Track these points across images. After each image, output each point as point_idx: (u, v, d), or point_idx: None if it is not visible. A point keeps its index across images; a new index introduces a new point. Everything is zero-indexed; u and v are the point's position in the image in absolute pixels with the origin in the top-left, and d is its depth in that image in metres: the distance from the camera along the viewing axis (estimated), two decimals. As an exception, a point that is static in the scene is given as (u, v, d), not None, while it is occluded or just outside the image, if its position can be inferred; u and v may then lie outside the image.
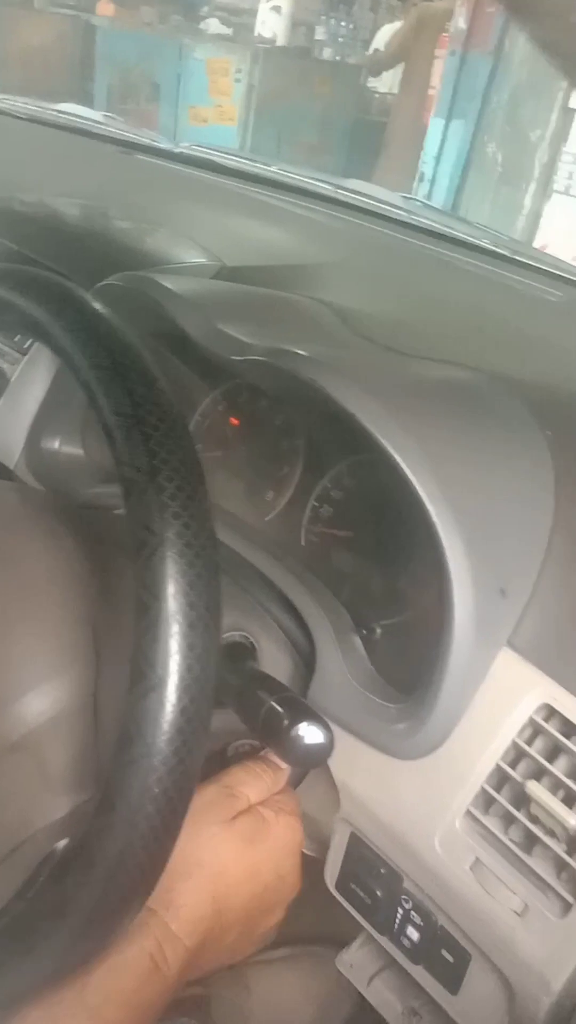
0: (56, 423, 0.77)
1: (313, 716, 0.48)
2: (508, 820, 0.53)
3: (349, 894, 0.62)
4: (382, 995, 0.67)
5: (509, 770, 0.52)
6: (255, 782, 0.56)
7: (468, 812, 0.53)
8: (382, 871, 0.59)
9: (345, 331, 0.70)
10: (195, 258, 0.91)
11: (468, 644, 0.52)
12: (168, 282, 0.64)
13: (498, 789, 0.53)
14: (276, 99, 4.30)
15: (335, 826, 0.61)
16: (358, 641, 0.62)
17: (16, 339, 0.78)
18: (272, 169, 1.22)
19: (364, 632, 0.63)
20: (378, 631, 0.63)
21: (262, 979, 0.98)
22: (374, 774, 0.56)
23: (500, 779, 0.53)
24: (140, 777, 0.39)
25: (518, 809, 0.52)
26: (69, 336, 0.45)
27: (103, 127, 1.37)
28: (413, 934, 0.58)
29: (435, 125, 3.58)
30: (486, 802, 0.53)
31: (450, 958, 0.56)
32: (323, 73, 4.44)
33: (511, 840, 0.52)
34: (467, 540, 0.51)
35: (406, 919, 0.58)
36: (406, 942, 0.58)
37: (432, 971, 0.57)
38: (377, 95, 4.74)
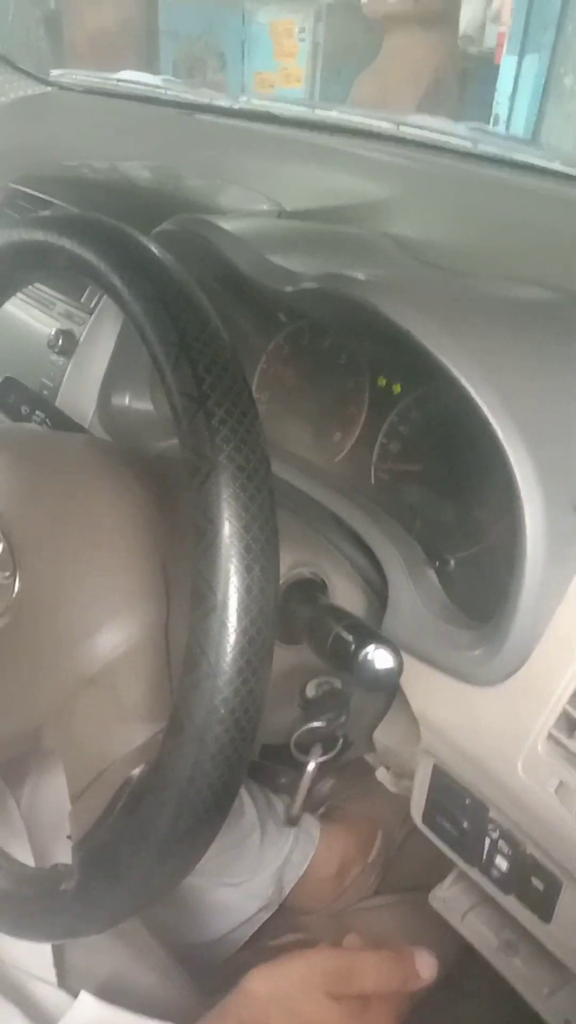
0: (125, 379, 0.78)
1: (380, 639, 0.48)
2: (592, 743, 0.51)
3: (436, 827, 0.61)
4: (476, 929, 0.67)
5: (593, 690, 0.51)
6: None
7: (550, 735, 0.52)
8: (467, 801, 0.58)
9: (406, 258, 0.68)
10: (254, 204, 0.91)
11: (542, 563, 0.51)
12: (221, 222, 0.64)
13: (580, 710, 0.51)
14: (343, 56, 4.20)
15: (418, 759, 0.61)
16: (432, 573, 0.61)
17: (82, 299, 0.80)
18: (331, 113, 1.19)
19: (437, 564, 0.62)
20: (452, 562, 0.62)
21: (362, 925, 0.99)
22: (452, 702, 0.56)
23: (582, 701, 0.52)
24: (206, 698, 0.40)
25: (602, 730, 0.50)
26: (116, 272, 0.46)
27: (163, 91, 1.37)
28: (502, 864, 0.57)
29: (507, 63, 3.44)
30: (569, 724, 0.52)
31: (541, 886, 0.55)
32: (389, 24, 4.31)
33: (595, 762, 0.50)
34: (535, 455, 0.50)
35: (494, 849, 0.57)
36: (495, 872, 0.58)
37: (524, 900, 0.56)
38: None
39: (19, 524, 0.52)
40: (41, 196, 0.92)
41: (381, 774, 0.69)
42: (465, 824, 0.59)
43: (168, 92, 1.37)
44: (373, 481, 0.70)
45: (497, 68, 3.60)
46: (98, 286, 0.48)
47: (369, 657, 0.47)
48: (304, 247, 0.64)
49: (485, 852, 0.58)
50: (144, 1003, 0.60)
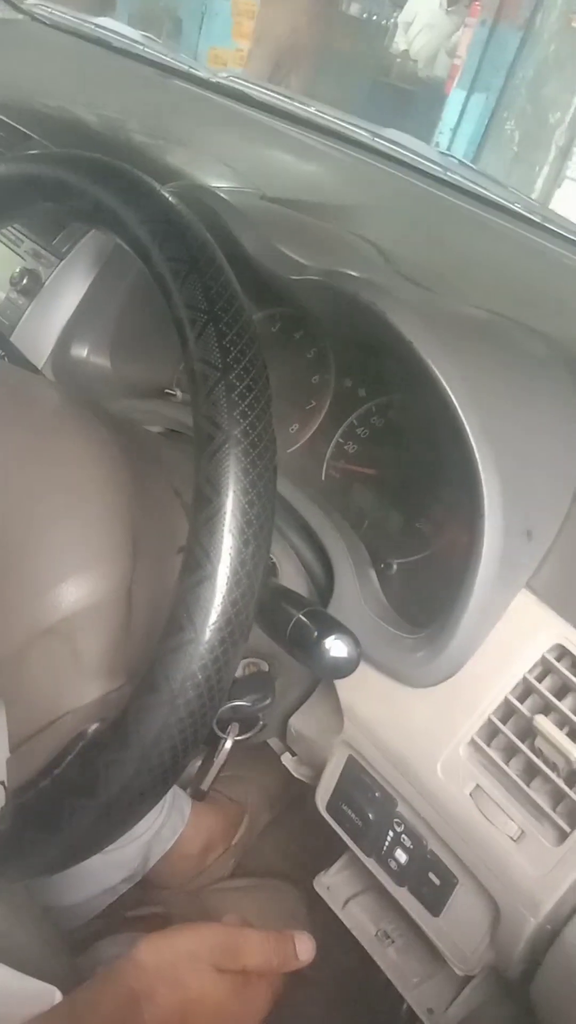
0: (87, 331, 0.77)
1: (342, 629, 0.50)
2: (510, 752, 0.55)
3: (339, 815, 0.64)
4: (356, 917, 0.69)
5: (517, 704, 0.54)
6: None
7: (472, 741, 0.55)
8: (376, 795, 0.61)
9: (388, 269, 0.70)
10: (234, 183, 0.91)
11: (491, 582, 0.54)
12: (226, 196, 0.64)
13: (504, 721, 0.55)
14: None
15: (334, 748, 0.63)
16: (373, 575, 0.63)
17: (54, 242, 0.78)
18: (310, 109, 1.20)
19: (380, 567, 0.64)
20: (394, 567, 0.64)
21: (219, 905, 1.01)
22: (382, 699, 0.58)
23: (507, 712, 0.55)
24: (186, 662, 0.40)
25: (522, 742, 0.54)
26: (146, 227, 0.45)
27: (140, 47, 1.34)
28: (401, 856, 0.60)
29: (455, 96, 3.55)
30: (491, 733, 0.55)
31: (437, 881, 0.58)
32: (348, 28, 4.36)
33: (512, 770, 0.54)
34: (503, 479, 0.53)
35: (396, 842, 0.60)
36: (393, 864, 0.60)
37: (416, 893, 0.59)
38: (398, 60, 4.67)
39: None
40: (20, 128, 0.89)
41: (286, 759, 0.71)
42: (370, 815, 0.61)
43: (145, 50, 1.35)
44: (324, 477, 0.72)
45: (443, 97, 3.71)
46: (119, 237, 0.47)
47: (331, 646, 0.49)
48: (303, 238, 0.64)
49: (386, 844, 0.60)
50: (19, 961, 0.60)
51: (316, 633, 0.49)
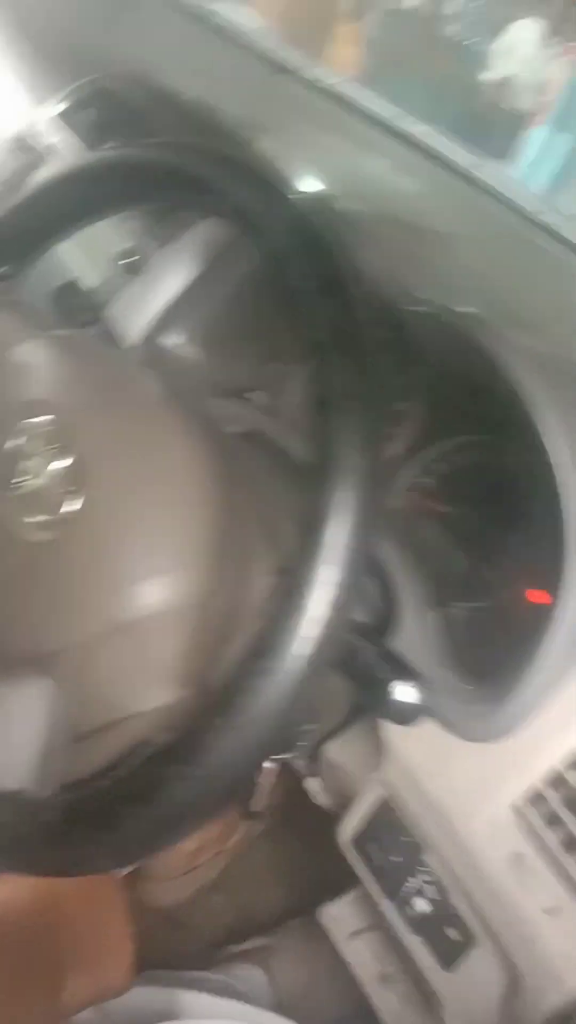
0: (181, 321, 0.76)
1: (412, 675, 0.49)
2: (554, 821, 0.54)
3: (362, 851, 0.63)
4: (360, 954, 0.69)
5: (568, 776, 0.53)
6: None
7: (516, 805, 0.54)
8: (404, 839, 0.60)
9: (491, 308, 0.69)
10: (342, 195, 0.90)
11: (563, 648, 0.53)
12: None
13: (552, 791, 0.54)
14: (392, 60, 4.19)
15: (367, 783, 0.62)
16: (434, 616, 0.62)
17: (163, 225, 0.77)
18: (418, 128, 1.19)
19: (442, 609, 0.63)
20: (455, 611, 0.63)
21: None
22: (429, 745, 0.57)
23: (555, 782, 0.54)
24: (269, 690, 0.39)
25: (568, 814, 0.53)
26: (284, 238, 0.45)
27: (254, 39, 1.33)
28: (421, 905, 0.59)
29: (539, 132, 3.53)
30: (536, 800, 0.54)
31: (455, 936, 0.57)
32: (443, 49, 4.34)
33: (554, 842, 0.53)
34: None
35: (417, 889, 0.59)
36: (410, 911, 0.60)
37: (431, 944, 0.58)
38: (484, 88, 4.64)
39: (89, 441, 0.50)
40: (140, 107, 0.88)
41: (311, 784, 0.70)
42: (393, 858, 0.60)
43: (258, 42, 1.33)
44: (395, 507, 0.71)
45: (522, 130, 3.70)
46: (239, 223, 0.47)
47: (398, 691, 0.48)
48: (419, 267, 0.64)
49: (407, 890, 0.59)
50: None
51: (384, 675, 0.48)
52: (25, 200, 0.58)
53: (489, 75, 4.55)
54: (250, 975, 0.95)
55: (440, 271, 0.68)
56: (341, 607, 0.40)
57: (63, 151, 0.89)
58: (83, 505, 0.48)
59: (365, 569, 0.40)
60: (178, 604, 0.48)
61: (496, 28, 4.48)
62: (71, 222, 0.58)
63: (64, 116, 0.92)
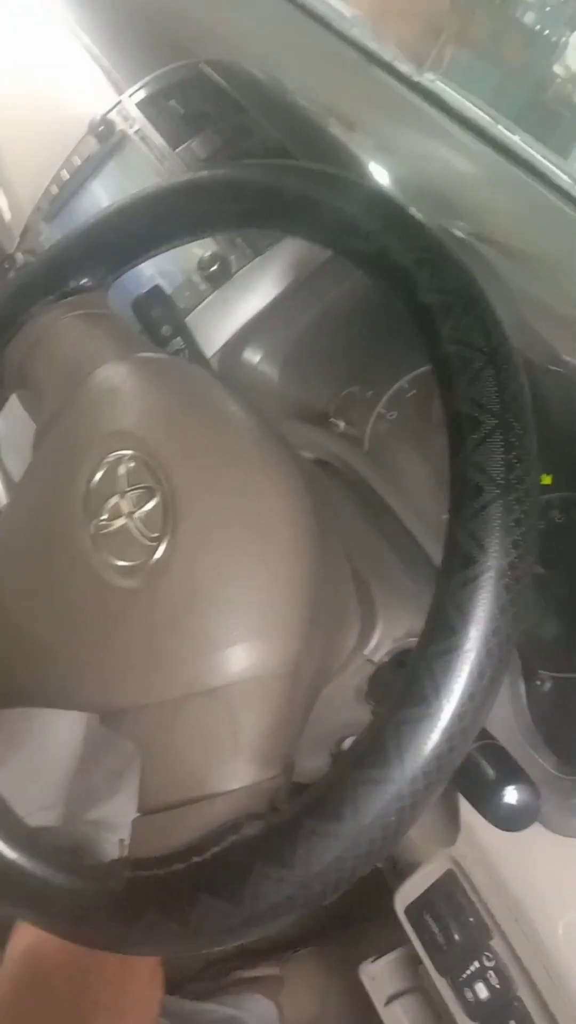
0: (266, 338, 0.72)
1: (524, 777, 0.45)
2: None
3: (419, 923, 0.60)
4: (398, 1020, 0.66)
5: None
6: None
7: (606, 909, 0.51)
8: (471, 919, 0.57)
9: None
10: (441, 211, 0.85)
11: None
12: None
13: None
14: (463, 45, 4.09)
15: (434, 856, 0.59)
16: (523, 689, 0.59)
17: (254, 234, 0.72)
18: (514, 137, 1.13)
19: (533, 681, 0.59)
20: (547, 684, 0.60)
21: (341, 959, 0.99)
22: (514, 834, 0.53)
23: None
24: (384, 801, 0.36)
25: None
26: (439, 297, 0.40)
27: (348, 27, 1.27)
28: (482, 991, 0.56)
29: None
30: (626, 905, 0.51)
31: (517, 1031, 0.54)
32: (518, 37, 4.22)
33: None
34: None
35: (480, 975, 0.56)
36: (469, 995, 0.56)
37: (489, 1034, 0.55)
38: (559, 80, 4.52)
39: (180, 482, 0.46)
40: (235, 96, 0.83)
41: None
42: (457, 937, 0.57)
43: (353, 30, 1.28)
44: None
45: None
46: (398, 297, 0.42)
47: (510, 796, 0.44)
48: (553, 317, 0.59)
49: (467, 973, 0.56)
50: None
51: (494, 775, 0.45)
52: (126, 206, 0.54)
53: (562, 68, 4.44)
54: (260, 1008, 0.93)
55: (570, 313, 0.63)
56: (476, 720, 0.36)
57: (147, 140, 0.84)
58: (172, 554, 0.44)
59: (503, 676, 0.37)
60: (268, 672, 0.44)
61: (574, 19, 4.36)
62: (174, 237, 0.54)
63: (150, 102, 0.87)
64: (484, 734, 0.47)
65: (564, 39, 4.38)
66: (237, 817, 0.41)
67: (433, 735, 0.36)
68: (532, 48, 4.39)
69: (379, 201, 0.44)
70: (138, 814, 0.44)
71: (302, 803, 0.38)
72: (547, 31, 4.52)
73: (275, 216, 0.48)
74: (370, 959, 0.68)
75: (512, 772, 0.45)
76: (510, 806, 0.44)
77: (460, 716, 0.36)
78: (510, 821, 0.45)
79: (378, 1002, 0.66)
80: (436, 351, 0.40)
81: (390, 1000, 0.66)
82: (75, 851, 0.44)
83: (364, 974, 0.68)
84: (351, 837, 0.36)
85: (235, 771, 0.42)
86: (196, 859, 0.40)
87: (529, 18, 4.55)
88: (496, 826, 0.45)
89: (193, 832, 0.41)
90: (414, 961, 0.63)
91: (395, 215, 0.44)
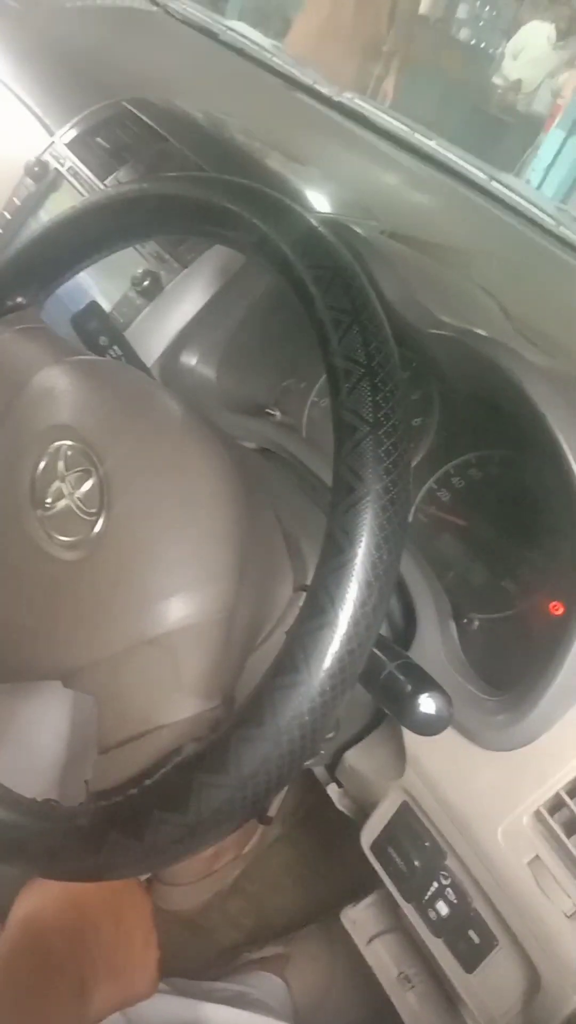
0: (199, 341, 0.78)
1: (436, 687, 0.50)
2: (573, 828, 0.55)
3: (383, 856, 0.64)
4: (380, 956, 0.70)
5: (589, 783, 0.54)
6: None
7: (538, 812, 0.56)
8: (426, 844, 0.61)
9: (509, 327, 0.71)
10: (357, 213, 0.92)
11: (584, 657, 0.54)
12: (364, 233, 0.65)
13: (572, 797, 0.55)
14: (406, 65, 4.22)
15: (389, 791, 0.64)
16: (454, 628, 0.64)
17: (180, 249, 0.79)
18: (430, 143, 1.21)
19: (462, 621, 0.65)
20: (476, 623, 0.65)
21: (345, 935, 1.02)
22: (451, 754, 0.59)
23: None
24: (296, 702, 0.41)
25: (588, 820, 0.54)
26: (313, 272, 0.46)
27: (269, 56, 1.35)
28: (443, 909, 0.60)
29: (554, 136, 3.54)
30: (557, 806, 0.56)
31: (476, 939, 0.58)
32: (456, 52, 4.36)
33: (574, 846, 0.54)
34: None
35: (439, 894, 0.61)
36: (432, 915, 0.61)
37: (452, 947, 0.60)
38: (499, 91, 4.65)
39: (113, 463, 0.52)
40: (156, 128, 0.90)
41: (332, 790, 0.72)
42: (417, 863, 0.62)
43: (273, 59, 1.36)
44: (412, 520, 0.72)
45: (537, 133, 3.71)
46: (284, 276, 0.48)
47: (424, 703, 0.49)
48: (439, 289, 0.65)
49: (429, 894, 0.61)
50: None
51: (410, 688, 0.50)
52: (48, 230, 0.60)
53: (501, 78, 4.57)
54: (268, 984, 0.96)
55: (455, 289, 0.69)
56: (369, 626, 0.41)
57: (78, 176, 0.91)
58: (109, 526, 0.50)
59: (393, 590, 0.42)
60: (204, 618, 0.50)
61: (510, 32, 4.50)
62: (92, 253, 0.60)
63: (78, 141, 0.94)
64: (400, 654, 0.52)
65: (499, 50, 4.52)
66: (182, 743, 0.46)
67: (333, 641, 0.41)
68: (471, 62, 4.54)
69: (259, 195, 0.51)
70: (97, 755, 0.49)
71: (232, 719, 0.43)
72: (483, 44, 4.67)
73: (170, 221, 0.54)
74: (350, 905, 0.73)
75: (425, 683, 0.50)
76: (425, 714, 0.49)
77: (355, 622, 0.41)
78: (427, 727, 0.50)
79: (360, 943, 0.71)
80: (314, 317, 0.46)
81: (371, 940, 0.71)
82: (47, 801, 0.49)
83: (345, 919, 0.72)
84: (272, 738, 0.41)
85: (179, 705, 0.48)
86: (148, 782, 0.45)
87: (464, 34, 4.70)
88: (415, 732, 0.50)
89: (145, 760, 0.46)
90: (392, 903, 0.68)
91: (273, 205, 0.50)
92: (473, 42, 4.62)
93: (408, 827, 0.62)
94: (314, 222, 0.49)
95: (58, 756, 0.74)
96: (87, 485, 0.52)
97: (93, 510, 0.51)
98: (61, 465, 0.53)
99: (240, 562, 0.52)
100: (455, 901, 0.60)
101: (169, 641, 0.49)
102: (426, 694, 0.49)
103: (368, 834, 0.65)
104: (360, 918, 0.72)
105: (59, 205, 0.93)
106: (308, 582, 0.59)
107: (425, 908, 0.61)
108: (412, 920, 0.62)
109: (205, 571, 0.50)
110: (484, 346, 0.57)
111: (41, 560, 0.52)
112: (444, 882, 0.60)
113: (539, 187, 3.46)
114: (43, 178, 0.92)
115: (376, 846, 0.65)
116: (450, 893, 0.60)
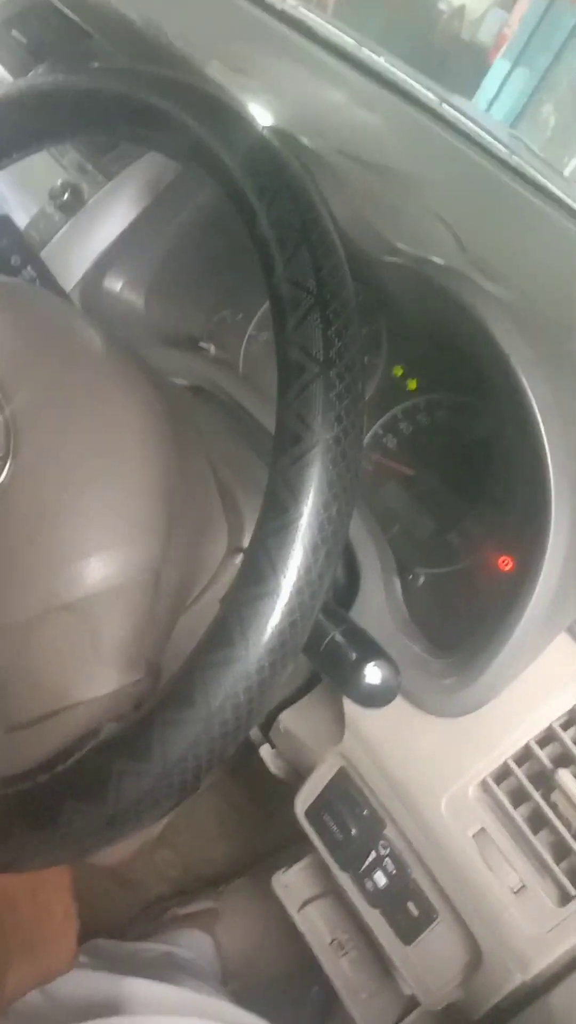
0: (126, 264, 0.71)
1: (383, 655, 0.46)
2: (521, 799, 0.52)
3: (318, 823, 0.61)
4: (312, 922, 0.67)
5: (538, 751, 0.51)
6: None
7: (484, 782, 0.52)
8: (364, 812, 0.58)
9: (462, 257, 0.65)
10: (305, 130, 0.84)
11: (541, 617, 0.50)
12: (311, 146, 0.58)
13: (520, 766, 0.52)
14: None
15: (326, 756, 0.60)
16: (398, 584, 0.60)
17: (104, 159, 0.71)
18: (379, 60, 1.13)
19: (407, 577, 0.61)
20: (421, 578, 0.61)
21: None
22: (394, 720, 0.55)
23: (524, 757, 0.52)
24: (230, 680, 0.36)
25: (536, 791, 0.51)
26: (254, 181, 0.40)
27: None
28: (380, 879, 0.57)
29: (499, 67, 3.44)
30: (504, 776, 0.53)
31: (415, 912, 0.56)
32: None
33: (521, 819, 0.51)
34: (573, 512, 0.49)
35: (377, 864, 0.57)
36: (369, 885, 0.58)
37: (389, 919, 0.57)
38: (444, 16, 4.50)
39: (21, 403, 0.45)
40: (81, 24, 0.80)
41: (265, 751, 0.68)
42: (353, 831, 0.58)
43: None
44: (356, 466, 0.67)
45: (482, 63, 3.60)
46: (220, 183, 0.42)
47: (370, 673, 0.45)
48: (393, 213, 0.59)
49: (366, 864, 0.58)
50: None
51: (354, 655, 0.45)
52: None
53: (446, 3, 4.42)
54: (196, 942, 0.94)
55: (410, 215, 0.63)
56: (315, 595, 0.36)
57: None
58: (16, 475, 0.43)
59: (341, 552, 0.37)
60: (126, 580, 0.44)
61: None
62: (10, 151, 0.52)
63: (-6, 32, 0.84)
64: (344, 618, 0.48)
65: (446, -26, 4.35)
66: (100, 722, 0.41)
67: (274, 613, 0.36)
68: (416, -17, 4.37)
69: (194, 91, 0.44)
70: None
71: (157, 697, 0.38)
72: (429, -34, 4.49)
73: (91, 121, 0.47)
74: (282, 870, 0.70)
75: (372, 650, 0.46)
76: (371, 685, 0.45)
77: (298, 591, 0.36)
78: (372, 698, 0.46)
79: (292, 909, 0.68)
80: (256, 235, 0.40)
81: (303, 905, 0.68)
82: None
83: (277, 884, 0.69)
84: (203, 721, 0.36)
85: (97, 679, 0.42)
86: (60, 768, 0.40)
87: (409, -47, 4.51)
88: (360, 704, 0.46)
89: (57, 742, 0.41)
90: (324, 865, 0.65)
91: (209, 103, 0.43)
92: (418, -37, 4.43)
93: (345, 794, 0.59)
94: (258, 126, 0.42)
95: None
96: None
97: None
98: None
99: (168, 516, 0.46)
100: (394, 872, 0.57)
101: (87, 606, 0.43)
102: (372, 663, 0.45)
103: (303, 800, 0.62)
104: (292, 882, 0.69)
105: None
106: (244, 542, 0.54)
107: (362, 878, 0.58)
108: (347, 889, 0.59)
109: (128, 527, 0.44)
110: (445, 278, 0.51)
111: None
112: (383, 852, 0.57)
113: (482, 120, 3.37)
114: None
115: (311, 812, 0.61)
116: (389, 864, 0.57)
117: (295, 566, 0.36)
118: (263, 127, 0.43)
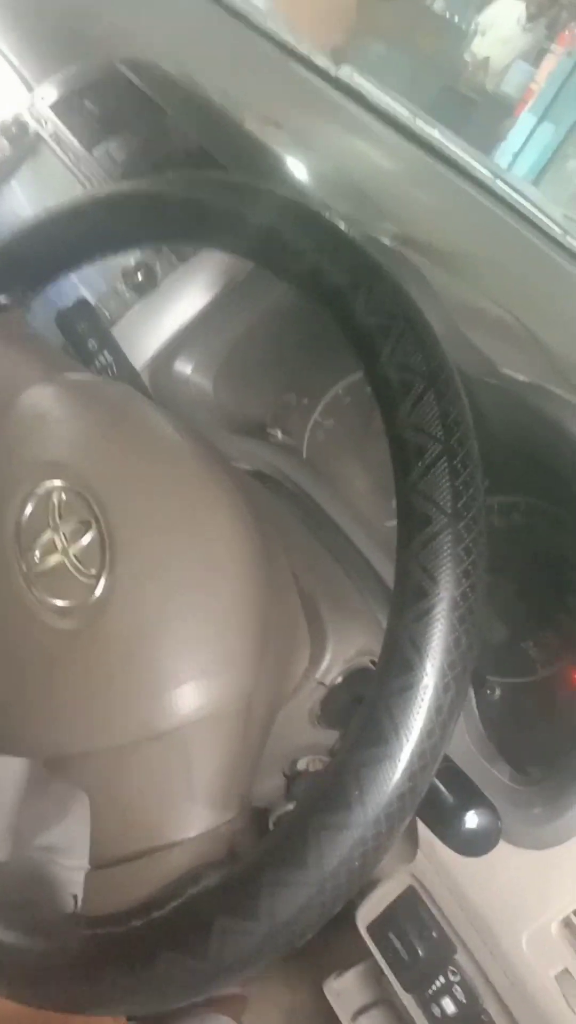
0: (197, 348, 0.70)
1: (483, 800, 0.44)
2: (606, 938, 0.50)
3: (381, 940, 0.59)
4: (365, 1035, 0.65)
5: (627, 890, 0.50)
6: None
7: (569, 918, 0.50)
8: (434, 935, 0.56)
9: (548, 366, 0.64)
10: (368, 211, 0.84)
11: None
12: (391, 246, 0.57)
13: (606, 904, 0.50)
14: (375, 35, 4.08)
15: (395, 873, 0.58)
16: (474, 699, 0.58)
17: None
18: (433, 131, 1.13)
19: (482, 689, 0.59)
20: (497, 691, 0.59)
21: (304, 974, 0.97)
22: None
23: (609, 894, 0.51)
24: (348, 846, 0.35)
25: (624, 932, 0.49)
26: (376, 319, 0.39)
27: (262, 19, 1.25)
28: (449, 1006, 0.55)
29: (525, 121, 3.49)
30: (588, 913, 0.51)
31: (486, 1044, 0.53)
32: (430, 25, 4.24)
33: (607, 960, 0.49)
34: None
35: (446, 990, 0.55)
36: (436, 1011, 0.56)
37: (457, 1048, 0.55)
38: (470, 68, 4.56)
39: (118, 514, 0.43)
40: (150, 95, 0.80)
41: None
42: (421, 952, 0.56)
43: (267, 23, 1.26)
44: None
45: (506, 115, 3.65)
46: (339, 322, 0.41)
47: (471, 822, 0.43)
48: (488, 326, 0.58)
49: (433, 988, 0.56)
50: None
51: (452, 800, 0.44)
52: (43, 222, 0.51)
53: (471, 55, 4.48)
54: None
55: (495, 319, 0.63)
56: (436, 758, 0.35)
57: (62, 142, 0.81)
58: (112, 591, 0.42)
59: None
60: (220, 710, 0.42)
61: (482, 7, 4.41)
62: (94, 252, 0.51)
63: (63, 102, 0.84)
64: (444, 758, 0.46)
65: (472, 26, 4.43)
66: (196, 867, 0.39)
67: (394, 776, 0.34)
68: (444, 36, 4.42)
69: (310, 219, 0.43)
70: (90, 867, 0.41)
71: (263, 850, 0.36)
72: (456, 18, 4.56)
73: (201, 232, 0.46)
74: (334, 975, 0.68)
75: (471, 796, 0.44)
76: (471, 831, 0.43)
77: (420, 754, 0.35)
78: (472, 846, 0.44)
79: (344, 1018, 0.66)
80: (376, 375, 0.39)
81: (356, 1015, 0.66)
82: (28, 892, 0.42)
83: (329, 990, 0.67)
84: (316, 884, 0.35)
85: (191, 817, 0.41)
86: (156, 914, 0.38)
87: (439, 6, 4.58)
88: (457, 852, 0.44)
89: (151, 886, 0.39)
90: (378, 973, 0.63)
91: (327, 233, 0.42)
92: (447, 15, 4.50)
93: (413, 914, 0.57)
94: (375, 257, 0.41)
95: (10, 800, 0.67)
96: (86, 539, 0.43)
97: (92, 571, 0.43)
98: (54, 511, 0.44)
99: (263, 634, 0.44)
100: (464, 1000, 0.55)
101: (181, 738, 0.41)
102: (473, 811, 0.43)
103: (365, 914, 0.60)
104: (345, 990, 0.67)
105: (37, 172, 0.83)
106: (326, 658, 0.53)
107: (428, 1002, 0.56)
108: (411, 1011, 0.57)
109: (225, 651, 0.43)
110: (550, 405, 0.50)
111: (29, 625, 0.43)
112: (452, 978, 0.55)
113: (508, 170, 3.41)
114: (20, 141, 0.81)
115: (374, 928, 0.59)
116: (458, 991, 0.55)
117: (418, 728, 0.35)
118: (363, 238, 0.42)
